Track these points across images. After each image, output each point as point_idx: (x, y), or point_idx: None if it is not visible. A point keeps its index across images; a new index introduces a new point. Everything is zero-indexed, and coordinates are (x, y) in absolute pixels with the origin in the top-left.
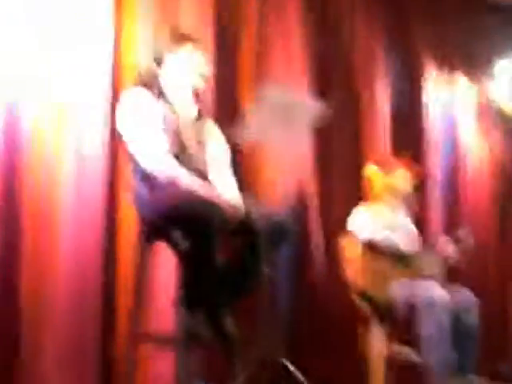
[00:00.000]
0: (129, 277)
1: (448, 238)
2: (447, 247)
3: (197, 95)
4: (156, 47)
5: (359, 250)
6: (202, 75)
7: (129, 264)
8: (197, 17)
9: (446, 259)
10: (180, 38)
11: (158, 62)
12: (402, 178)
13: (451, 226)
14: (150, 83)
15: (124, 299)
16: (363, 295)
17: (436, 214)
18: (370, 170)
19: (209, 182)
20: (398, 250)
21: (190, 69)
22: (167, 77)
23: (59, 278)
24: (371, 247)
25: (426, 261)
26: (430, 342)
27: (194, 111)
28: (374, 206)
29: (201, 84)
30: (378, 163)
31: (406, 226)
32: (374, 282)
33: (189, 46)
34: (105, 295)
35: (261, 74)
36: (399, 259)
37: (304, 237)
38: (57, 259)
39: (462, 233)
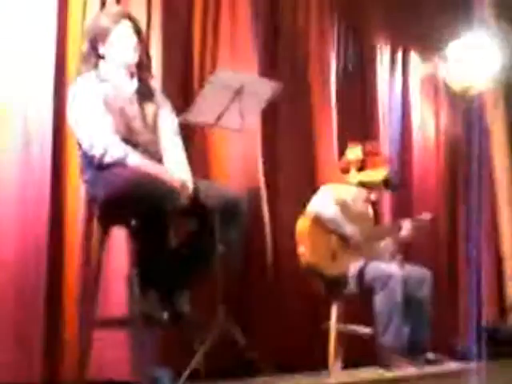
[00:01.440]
0: (76, 261)
1: (407, 221)
2: (406, 230)
3: (140, 70)
4: (95, 27)
5: (309, 223)
6: (134, 50)
7: (76, 247)
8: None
9: (401, 240)
10: (114, 15)
11: (98, 41)
12: (378, 172)
13: (402, 205)
14: (92, 66)
15: (72, 284)
16: (314, 270)
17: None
18: (353, 152)
19: (159, 158)
20: (347, 229)
21: (124, 45)
22: (106, 56)
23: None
24: (321, 222)
25: (376, 242)
26: (384, 317)
27: (134, 87)
28: (339, 187)
29: (134, 58)
30: (361, 147)
31: (364, 210)
32: (323, 257)
33: (123, 23)
34: (51, 279)
35: (211, 57)
36: (346, 240)
37: (256, 217)
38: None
39: (421, 218)
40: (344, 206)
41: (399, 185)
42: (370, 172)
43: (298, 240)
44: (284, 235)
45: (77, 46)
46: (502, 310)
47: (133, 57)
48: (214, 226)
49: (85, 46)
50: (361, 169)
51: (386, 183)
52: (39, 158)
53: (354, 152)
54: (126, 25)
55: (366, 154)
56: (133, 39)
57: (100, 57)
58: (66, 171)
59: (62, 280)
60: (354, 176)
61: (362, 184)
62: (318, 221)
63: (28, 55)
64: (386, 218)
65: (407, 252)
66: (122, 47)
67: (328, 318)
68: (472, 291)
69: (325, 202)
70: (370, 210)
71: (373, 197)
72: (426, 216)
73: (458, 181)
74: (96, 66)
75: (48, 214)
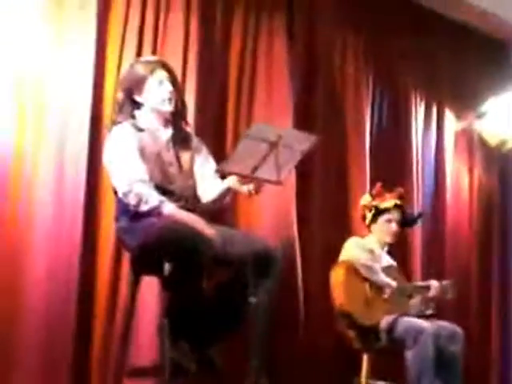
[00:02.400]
0: (106, 308)
1: (436, 282)
2: (434, 290)
3: (175, 118)
4: (130, 76)
5: (343, 272)
6: (170, 99)
7: (106, 294)
8: (182, 52)
9: (429, 299)
10: (150, 64)
11: (133, 90)
12: (387, 202)
13: (432, 260)
14: (127, 115)
15: (101, 331)
16: (348, 317)
17: (417, 248)
18: (363, 198)
19: (195, 204)
20: (381, 276)
21: (160, 93)
22: (142, 104)
23: (30, 310)
24: (355, 270)
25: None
26: (416, 373)
27: (169, 134)
28: (365, 239)
29: (170, 107)
30: (371, 195)
31: (391, 263)
32: (357, 305)
33: (159, 72)
34: (80, 328)
35: (246, 107)
36: (380, 289)
37: (289, 267)
38: (28, 292)
39: (448, 283)
40: (373, 256)
41: (418, 215)
42: (380, 202)
43: (333, 288)
44: (317, 287)
45: (112, 93)
46: None
47: (168, 105)
48: (247, 277)
49: (120, 95)
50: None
51: (403, 212)
52: (73, 179)
53: (364, 198)
54: (162, 74)
55: (373, 196)
56: (168, 88)
57: (135, 105)
58: (100, 194)
59: (92, 299)
60: (369, 217)
61: (377, 211)
62: (351, 269)
63: (65, 100)
64: (417, 273)
65: (438, 308)
66: (157, 96)
67: (359, 371)
68: (506, 351)
69: (357, 250)
70: (395, 264)
71: (394, 227)
72: (452, 281)
73: (492, 235)
74: (132, 114)
75: (81, 234)
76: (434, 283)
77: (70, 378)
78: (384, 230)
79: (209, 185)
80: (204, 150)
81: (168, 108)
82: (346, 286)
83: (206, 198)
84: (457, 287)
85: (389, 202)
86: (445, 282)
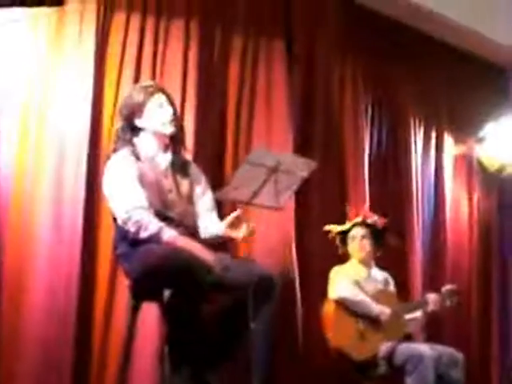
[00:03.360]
0: (104, 333)
1: (434, 294)
2: (433, 304)
3: (173, 143)
4: (129, 102)
5: (333, 308)
6: (170, 120)
7: (104, 319)
8: (181, 78)
9: (428, 314)
10: (149, 87)
11: (134, 115)
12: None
13: (433, 282)
14: (127, 142)
15: (99, 356)
16: (342, 354)
17: (417, 271)
18: (330, 230)
19: (194, 230)
20: (374, 308)
21: (160, 115)
22: (143, 128)
23: (29, 332)
24: (346, 305)
25: (402, 320)
26: None
27: (168, 159)
28: (350, 265)
29: (170, 129)
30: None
31: (383, 288)
32: (350, 341)
33: (157, 95)
34: (78, 352)
35: (245, 132)
36: (373, 320)
37: (288, 294)
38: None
39: (447, 289)
40: (359, 284)
41: (383, 227)
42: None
43: (325, 325)
44: (316, 314)
45: (110, 120)
46: None
47: (170, 127)
48: (247, 303)
49: (119, 123)
50: None
51: (373, 227)
52: (72, 206)
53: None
54: (161, 97)
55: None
56: (169, 110)
57: (135, 132)
58: (98, 219)
59: (90, 324)
60: (338, 243)
61: (341, 235)
62: (341, 305)
63: (65, 128)
64: (417, 294)
65: (438, 333)
66: (158, 119)
67: None
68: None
69: (346, 286)
70: (392, 288)
71: (358, 243)
72: (452, 287)
73: (491, 259)
74: (131, 141)
75: (79, 259)
76: (431, 296)
77: None
78: (353, 248)
79: (204, 221)
80: (203, 181)
81: (169, 130)
82: (338, 323)
83: (202, 234)
84: (457, 293)
85: (350, 224)
86: (443, 290)
